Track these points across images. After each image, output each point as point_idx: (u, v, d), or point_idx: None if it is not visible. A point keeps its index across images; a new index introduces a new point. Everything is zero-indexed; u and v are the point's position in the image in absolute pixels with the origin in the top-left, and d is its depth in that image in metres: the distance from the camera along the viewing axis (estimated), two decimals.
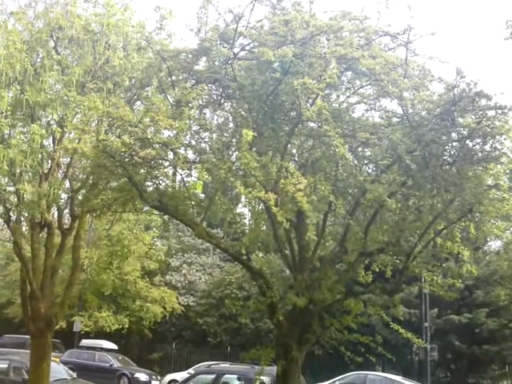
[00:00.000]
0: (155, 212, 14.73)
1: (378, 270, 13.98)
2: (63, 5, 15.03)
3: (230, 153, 12.06)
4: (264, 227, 13.90)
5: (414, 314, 28.31)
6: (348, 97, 12.60)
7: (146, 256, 29.17)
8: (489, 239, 22.40)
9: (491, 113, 10.96)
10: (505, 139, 11.16)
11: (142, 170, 12.22)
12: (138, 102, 15.69)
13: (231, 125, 12.40)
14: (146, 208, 14.38)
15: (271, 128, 11.62)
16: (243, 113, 11.68)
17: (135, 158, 11.59)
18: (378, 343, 16.05)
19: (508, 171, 12.12)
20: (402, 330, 14.56)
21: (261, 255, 18.04)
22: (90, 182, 15.11)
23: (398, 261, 13.23)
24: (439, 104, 11.18)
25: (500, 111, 10.85)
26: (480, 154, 11.51)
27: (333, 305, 13.13)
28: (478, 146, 11.50)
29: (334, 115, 11.21)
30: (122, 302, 32.34)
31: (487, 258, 31.50)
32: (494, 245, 29.82)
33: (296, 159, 13.47)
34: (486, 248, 31.83)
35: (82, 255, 18.80)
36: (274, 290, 12.36)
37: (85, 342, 31.29)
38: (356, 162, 12.35)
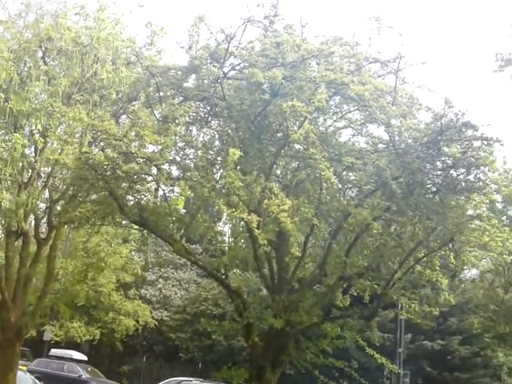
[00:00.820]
0: (134, 226, 14.56)
1: (356, 294, 13.93)
2: (54, 16, 14.84)
3: (215, 171, 11.99)
4: (244, 245, 13.82)
5: (388, 339, 28.15)
6: (335, 121, 12.66)
7: (122, 269, 28.80)
8: (465, 267, 22.46)
9: (477, 143, 11.05)
10: (489, 170, 11.26)
11: (124, 184, 12.04)
12: (124, 116, 15.53)
13: (217, 143, 12.34)
14: (125, 222, 14.19)
15: (257, 148, 11.58)
16: (230, 132, 11.63)
17: (118, 171, 11.41)
18: (353, 368, 15.96)
19: (489, 201, 12.18)
20: (377, 356, 14.54)
21: (239, 273, 17.94)
22: (70, 193, 14.87)
23: (376, 286, 13.22)
24: (426, 133, 11.23)
25: (486, 142, 10.94)
26: (464, 184, 11.58)
27: (310, 328, 13.06)
28: (462, 176, 11.57)
29: (321, 139, 11.23)
30: (95, 314, 31.77)
31: (462, 285, 31.52)
32: (470, 273, 29.94)
33: (280, 180, 13.44)
34: (461, 276, 31.87)
35: (57, 265, 18.46)
36: (251, 311, 12.24)
37: (54, 351, 30.60)
38: (340, 185, 12.34)
